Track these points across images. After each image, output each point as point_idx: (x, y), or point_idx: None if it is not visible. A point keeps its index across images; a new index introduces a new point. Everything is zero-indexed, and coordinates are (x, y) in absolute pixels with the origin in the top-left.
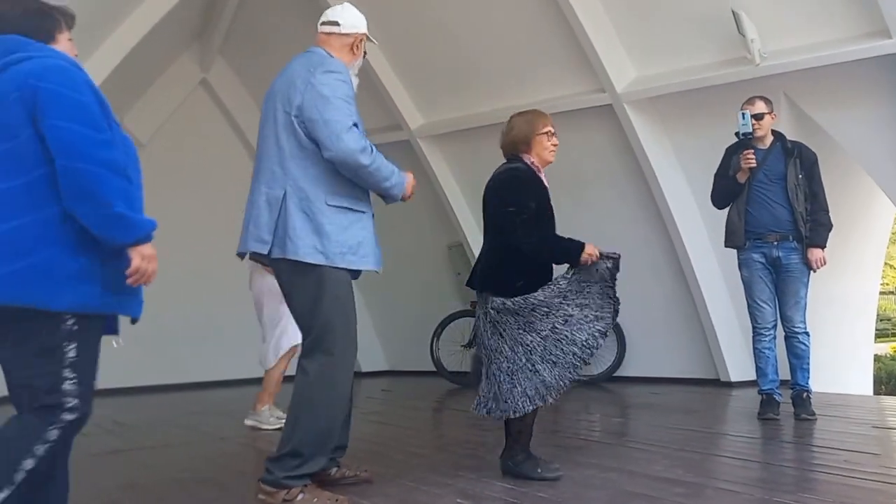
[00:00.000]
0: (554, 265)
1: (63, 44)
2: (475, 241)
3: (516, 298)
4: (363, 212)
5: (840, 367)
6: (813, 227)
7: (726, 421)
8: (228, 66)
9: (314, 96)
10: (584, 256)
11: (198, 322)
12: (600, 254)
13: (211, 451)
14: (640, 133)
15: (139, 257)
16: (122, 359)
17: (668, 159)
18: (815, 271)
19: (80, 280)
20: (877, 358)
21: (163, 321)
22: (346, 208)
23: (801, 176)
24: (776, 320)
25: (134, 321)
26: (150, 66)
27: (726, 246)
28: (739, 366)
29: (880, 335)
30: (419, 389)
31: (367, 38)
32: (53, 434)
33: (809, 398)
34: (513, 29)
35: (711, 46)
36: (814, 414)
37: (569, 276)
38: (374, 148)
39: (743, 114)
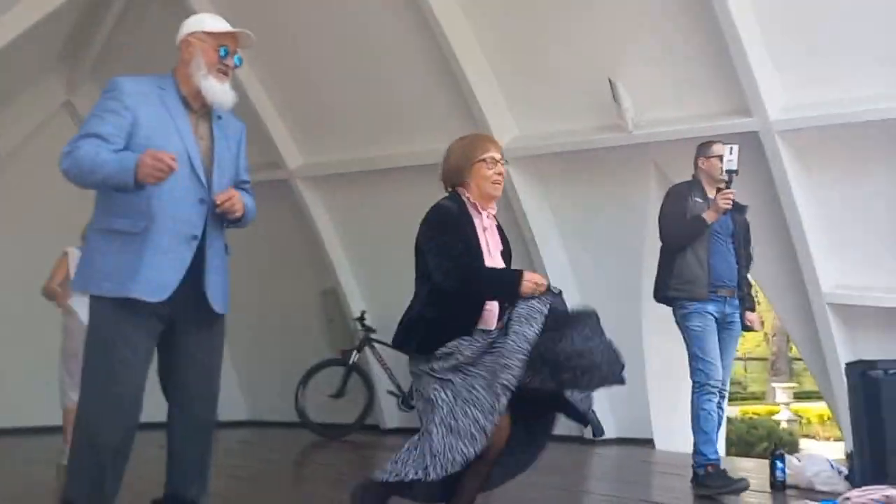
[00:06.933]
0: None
1: None
2: (349, 287)
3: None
4: (130, 232)
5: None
6: (748, 290)
7: (590, 479)
8: (98, 89)
9: None
10: (527, 285)
11: (36, 361)
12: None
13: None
14: (519, 190)
15: None
16: None
17: (545, 216)
18: (757, 331)
19: None
20: (729, 420)
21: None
22: (108, 230)
23: (741, 236)
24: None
25: None
26: (9, 84)
27: (678, 298)
28: (605, 424)
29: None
30: (281, 442)
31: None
32: None
33: None
34: (401, 76)
35: (591, 111)
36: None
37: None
38: (81, 146)
39: (731, 148)
